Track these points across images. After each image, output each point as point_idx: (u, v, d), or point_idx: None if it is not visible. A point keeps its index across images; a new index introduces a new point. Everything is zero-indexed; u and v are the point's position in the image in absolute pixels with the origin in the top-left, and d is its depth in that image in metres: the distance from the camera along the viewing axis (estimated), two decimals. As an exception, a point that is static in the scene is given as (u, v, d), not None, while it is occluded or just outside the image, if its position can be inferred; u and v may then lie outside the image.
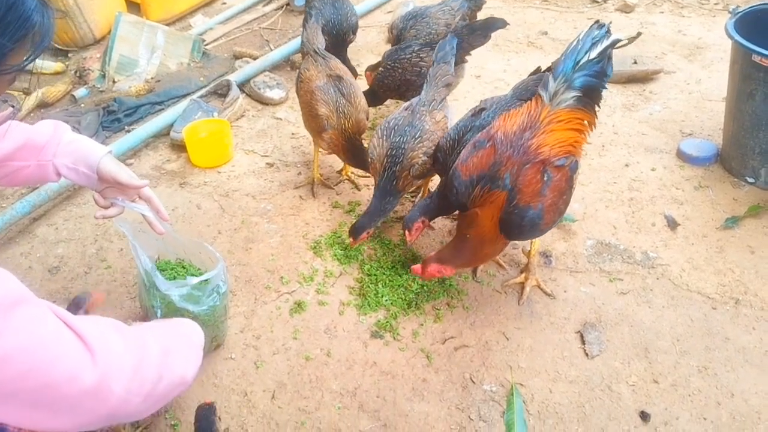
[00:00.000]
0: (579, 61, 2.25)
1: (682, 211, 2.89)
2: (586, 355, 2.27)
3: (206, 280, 1.96)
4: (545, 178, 2.13)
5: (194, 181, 3.15)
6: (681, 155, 3.22)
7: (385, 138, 2.58)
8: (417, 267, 2.33)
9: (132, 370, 1.24)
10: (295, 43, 4.15)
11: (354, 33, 3.59)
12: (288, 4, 4.83)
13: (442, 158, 2.53)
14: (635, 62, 3.90)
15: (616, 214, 2.89)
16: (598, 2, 4.99)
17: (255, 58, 4.13)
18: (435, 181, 2.88)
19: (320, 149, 2.97)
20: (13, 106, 1.31)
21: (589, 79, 2.25)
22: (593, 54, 2.27)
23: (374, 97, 3.36)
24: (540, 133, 2.20)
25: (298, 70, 2.97)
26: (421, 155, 2.51)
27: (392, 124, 2.60)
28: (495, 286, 2.55)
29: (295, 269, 2.62)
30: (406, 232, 2.45)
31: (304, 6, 3.66)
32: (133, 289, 2.50)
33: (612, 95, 3.77)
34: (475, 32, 3.04)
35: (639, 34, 2.85)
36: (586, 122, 2.31)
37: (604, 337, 2.32)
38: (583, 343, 2.30)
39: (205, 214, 2.94)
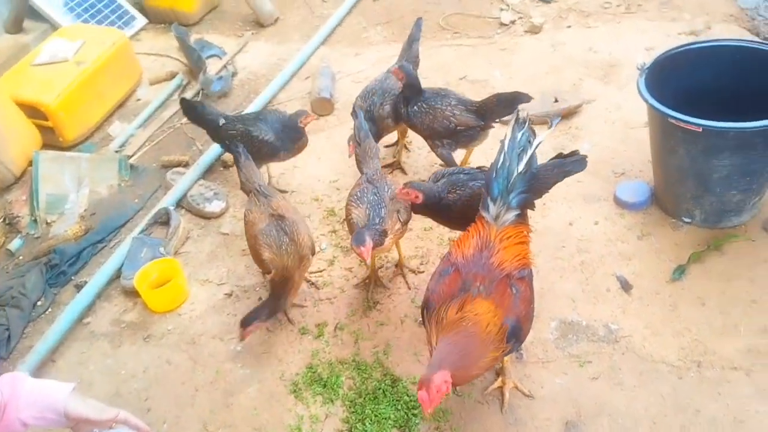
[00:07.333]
0: (510, 179, 2.39)
1: (632, 267, 3.03)
2: (575, 458, 2.39)
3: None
4: (515, 291, 2.26)
5: (157, 331, 3.12)
6: (618, 202, 3.35)
7: (363, 206, 2.80)
8: (422, 393, 1.96)
9: None
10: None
11: None
12: (203, 90, 4.73)
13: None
14: (556, 100, 4.00)
15: (571, 284, 3.00)
16: (506, 25, 5.07)
17: (185, 164, 4.07)
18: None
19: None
20: None
21: (524, 195, 2.43)
22: (521, 167, 2.41)
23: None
24: (496, 251, 2.34)
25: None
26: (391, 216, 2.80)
27: (360, 194, 2.84)
28: (476, 397, 2.63)
29: (280, 421, 2.64)
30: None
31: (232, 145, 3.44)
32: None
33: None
34: (500, 104, 3.19)
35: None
36: (526, 232, 2.49)
37: (587, 434, 2.45)
38: (569, 444, 2.43)
39: (177, 369, 2.92)
